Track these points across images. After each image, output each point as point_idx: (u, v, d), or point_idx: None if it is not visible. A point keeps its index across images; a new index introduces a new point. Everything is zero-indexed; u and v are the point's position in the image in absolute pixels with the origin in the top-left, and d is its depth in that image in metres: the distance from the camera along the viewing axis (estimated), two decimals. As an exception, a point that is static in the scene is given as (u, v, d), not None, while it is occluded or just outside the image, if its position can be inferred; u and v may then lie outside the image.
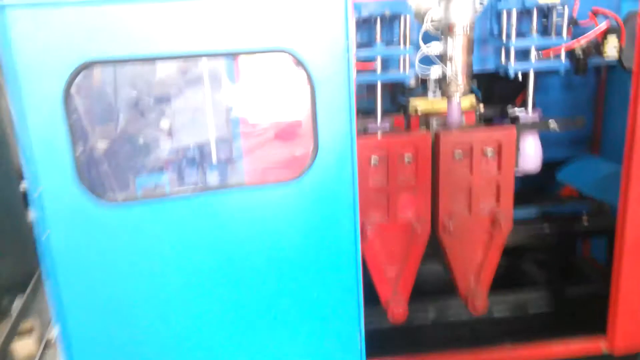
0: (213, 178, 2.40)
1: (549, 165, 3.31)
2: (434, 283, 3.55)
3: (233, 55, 2.21)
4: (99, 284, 2.16)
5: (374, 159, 2.66)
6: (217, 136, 2.34)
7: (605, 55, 3.00)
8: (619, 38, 2.97)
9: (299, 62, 2.11)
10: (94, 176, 2.20)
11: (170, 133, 2.32)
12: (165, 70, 2.31)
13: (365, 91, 3.07)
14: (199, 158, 2.35)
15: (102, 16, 1.96)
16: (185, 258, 2.27)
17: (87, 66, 1.96)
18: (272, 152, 2.41)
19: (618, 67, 3.28)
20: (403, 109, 3.15)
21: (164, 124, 2.36)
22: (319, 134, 2.24)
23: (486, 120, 3.38)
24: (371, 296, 2.88)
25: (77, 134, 2.03)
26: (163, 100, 2.30)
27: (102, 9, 1.95)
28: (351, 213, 2.40)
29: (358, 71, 2.80)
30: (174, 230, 2.22)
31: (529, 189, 3.76)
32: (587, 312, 3.30)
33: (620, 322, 2.84)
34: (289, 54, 2.12)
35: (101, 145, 2.16)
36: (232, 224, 2.27)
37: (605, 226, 3.24)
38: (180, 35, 2.04)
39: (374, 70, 2.80)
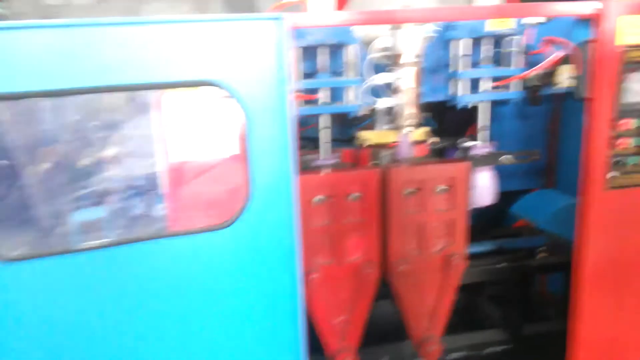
0: (125, 227, 2.14)
1: (503, 195, 3.19)
2: (386, 325, 3.36)
3: (155, 89, 1.97)
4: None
5: (318, 197, 2.45)
6: (139, 178, 2.09)
7: (558, 84, 2.91)
8: (573, 67, 2.89)
9: (230, 95, 1.90)
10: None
11: (85, 175, 2.06)
12: (79, 106, 2.06)
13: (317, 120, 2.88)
14: (113, 203, 2.09)
15: (-2, 43, 1.70)
16: (96, 315, 2.00)
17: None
18: (202, 195, 2.17)
19: (572, 97, 3.21)
20: (353, 141, 2.97)
21: (80, 164, 2.10)
22: (254, 173, 2.02)
23: (440, 152, 3.25)
24: (318, 346, 2.65)
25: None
26: (73, 137, 2.04)
27: (-3, 36, 1.70)
28: (292, 260, 2.18)
29: (306, 102, 2.61)
30: (81, 286, 1.95)
31: (483, 221, 3.63)
32: (546, 349, 3.17)
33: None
34: (218, 86, 1.90)
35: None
36: (150, 278, 2.01)
37: (561, 260, 3.13)
38: (94, 66, 1.80)
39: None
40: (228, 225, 2.05)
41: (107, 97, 2.14)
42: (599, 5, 2.18)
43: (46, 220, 2.02)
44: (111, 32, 1.80)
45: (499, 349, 3.18)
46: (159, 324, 2.09)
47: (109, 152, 2.09)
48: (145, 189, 2.20)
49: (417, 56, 2.53)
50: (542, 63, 2.79)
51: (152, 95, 2.06)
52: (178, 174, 2.12)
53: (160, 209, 2.18)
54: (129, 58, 1.81)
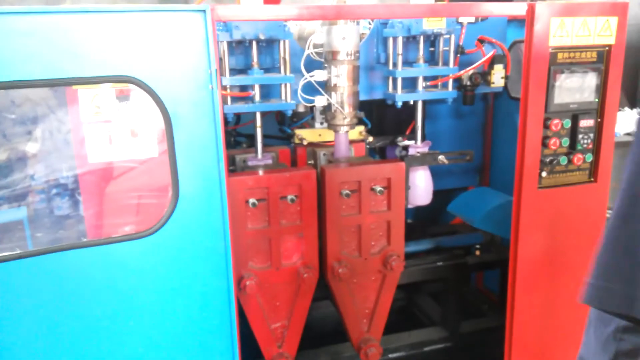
0: (41, 236, 1.97)
1: (440, 193, 3.20)
2: (324, 326, 3.30)
3: (67, 85, 1.79)
4: None
5: (252, 199, 2.34)
6: (53, 180, 1.91)
7: (492, 84, 2.94)
8: (505, 67, 2.93)
9: (149, 93, 1.76)
10: None
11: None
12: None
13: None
14: (26, 206, 1.90)
15: None
16: (15, 330, 1.82)
17: None
18: (124, 199, 2.02)
19: (504, 96, 3.26)
20: (290, 139, 2.88)
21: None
22: (179, 176, 1.89)
23: (379, 151, 3.22)
24: (256, 353, 2.56)
25: None
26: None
27: None
28: (223, 266, 2.07)
29: (238, 99, 2.49)
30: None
31: (421, 219, 3.65)
32: (484, 345, 3.21)
33: (516, 355, 2.75)
34: (138, 83, 1.76)
35: None
36: (71, 291, 1.84)
37: (497, 258, 3.18)
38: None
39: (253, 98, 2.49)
40: (154, 232, 1.91)
41: (15, 92, 1.95)
42: (532, 5, 2.19)
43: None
44: (18, 22, 1.62)
45: (438, 346, 3.19)
46: (83, 340, 1.94)
47: (17, 153, 1.89)
48: (61, 193, 2.02)
49: (354, 53, 2.47)
50: (476, 64, 2.80)
51: (66, 91, 1.89)
52: (97, 177, 1.96)
53: (79, 215, 2.02)
54: (38, 50, 1.64)
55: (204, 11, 1.76)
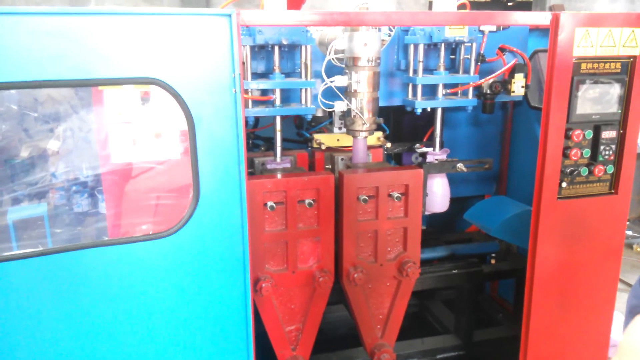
0: (61, 234, 1.99)
1: (456, 201, 3.19)
2: (338, 329, 3.30)
3: (93, 85, 1.82)
4: None
5: (270, 202, 2.35)
6: (75, 179, 1.94)
7: (512, 92, 2.93)
8: (526, 76, 2.91)
9: (173, 95, 1.78)
10: None
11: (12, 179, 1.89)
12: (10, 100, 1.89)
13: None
14: (50, 206, 1.93)
15: None
16: (34, 326, 1.85)
17: None
18: (145, 199, 2.04)
19: (524, 105, 3.25)
20: (307, 143, 2.89)
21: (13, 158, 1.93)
22: (200, 178, 1.91)
23: (394, 157, 3.22)
24: (270, 355, 2.56)
25: None
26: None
27: None
28: (241, 268, 2.08)
29: (259, 102, 2.51)
30: (16, 295, 1.81)
31: (436, 226, 3.63)
32: (498, 354, 3.19)
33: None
34: (160, 85, 1.78)
35: None
36: (91, 289, 1.87)
37: (513, 267, 3.16)
38: (26, 58, 1.65)
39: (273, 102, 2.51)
40: (173, 233, 1.93)
41: (40, 92, 1.98)
42: (556, 15, 2.18)
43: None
44: (46, 22, 1.65)
45: (451, 354, 3.18)
46: (100, 338, 1.96)
47: (40, 150, 1.93)
48: (83, 192, 2.05)
49: (375, 60, 2.47)
50: (497, 73, 2.79)
51: (92, 92, 1.92)
52: (119, 177, 1.98)
53: (101, 214, 2.04)
54: (65, 51, 1.67)
55: (230, 15, 1.78)
